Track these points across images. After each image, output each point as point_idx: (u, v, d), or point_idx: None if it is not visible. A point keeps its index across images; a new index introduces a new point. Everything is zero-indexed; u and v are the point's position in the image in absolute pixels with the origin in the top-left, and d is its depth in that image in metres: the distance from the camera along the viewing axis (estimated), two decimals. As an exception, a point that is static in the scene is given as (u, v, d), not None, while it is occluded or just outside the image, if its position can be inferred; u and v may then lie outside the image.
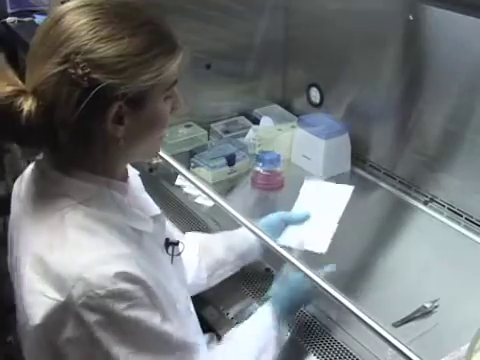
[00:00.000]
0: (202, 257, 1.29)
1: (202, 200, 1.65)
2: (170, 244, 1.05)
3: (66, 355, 0.86)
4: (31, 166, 1.01)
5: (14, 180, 1.07)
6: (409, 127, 1.67)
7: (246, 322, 1.17)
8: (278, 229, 1.37)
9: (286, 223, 1.39)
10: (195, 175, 1.54)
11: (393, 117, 1.72)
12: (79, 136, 0.88)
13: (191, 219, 1.59)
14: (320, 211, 1.40)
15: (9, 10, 2.61)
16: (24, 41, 2.18)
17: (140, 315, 0.85)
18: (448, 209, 1.61)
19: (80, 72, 0.83)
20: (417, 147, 1.67)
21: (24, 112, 0.84)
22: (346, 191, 1.45)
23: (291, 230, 1.38)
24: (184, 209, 1.64)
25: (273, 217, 1.39)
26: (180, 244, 1.07)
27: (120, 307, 0.83)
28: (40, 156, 0.99)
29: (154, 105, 0.91)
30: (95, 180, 0.93)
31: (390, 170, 1.77)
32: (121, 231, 0.91)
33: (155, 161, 1.79)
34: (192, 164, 1.78)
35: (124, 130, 0.89)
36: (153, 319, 0.87)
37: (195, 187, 1.43)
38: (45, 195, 0.93)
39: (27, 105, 0.85)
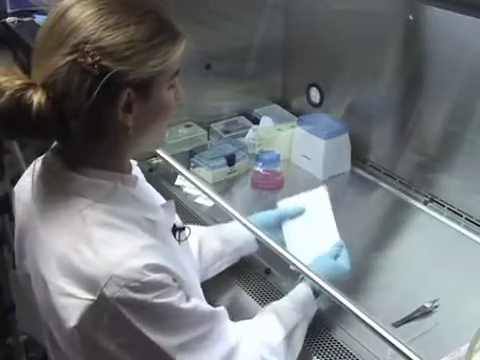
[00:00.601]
0: (201, 249, 1.29)
1: (202, 200, 1.65)
2: (177, 230, 1.07)
3: (106, 351, 0.87)
4: (36, 169, 1.00)
5: (13, 180, 1.07)
6: (409, 127, 1.67)
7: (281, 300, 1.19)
8: (275, 227, 1.38)
9: (281, 219, 1.40)
10: (195, 175, 1.54)
11: (393, 117, 1.72)
12: (91, 127, 0.89)
13: (191, 219, 1.59)
14: (313, 225, 1.38)
15: (9, 10, 2.61)
16: (24, 41, 2.18)
17: (171, 300, 0.88)
18: (448, 209, 1.61)
19: (90, 60, 0.84)
20: (417, 147, 1.67)
21: (34, 104, 0.85)
22: (322, 194, 1.43)
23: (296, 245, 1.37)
24: (184, 209, 1.63)
25: (270, 216, 1.39)
26: (186, 229, 1.09)
27: (152, 297, 0.86)
28: (45, 157, 0.98)
29: (160, 93, 0.92)
30: (108, 176, 0.94)
31: (390, 170, 1.77)
32: (138, 223, 0.93)
33: (155, 161, 1.79)
34: (192, 164, 1.78)
35: (133, 118, 0.90)
36: (182, 300, 0.90)
37: (195, 187, 1.43)
38: (61, 197, 0.92)
39: (37, 97, 0.85)
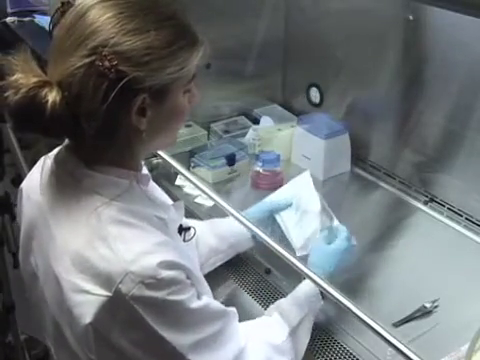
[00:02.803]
0: (197, 244, 1.30)
1: (202, 200, 1.65)
2: (183, 229, 1.08)
3: (120, 348, 0.88)
4: (45, 166, 1.00)
5: (14, 180, 1.07)
6: (409, 127, 1.68)
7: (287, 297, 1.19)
8: (268, 220, 1.41)
9: (273, 212, 1.43)
10: (195, 175, 1.54)
11: (393, 117, 1.72)
12: (104, 128, 0.89)
13: (191, 219, 1.59)
14: (303, 211, 1.42)
15: (9, 10, 2.62)
16: (24, 41, 2.18)
17: (184, 298, 0.89)
18: (448, 209, 1.61)
19: (107, 64, 0.84)
20: (417, 147, 1.67)
21: (49, 103, 0.85)
22: (305, 177, 1.50)
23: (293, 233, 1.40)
24: (184, 209, 1.63)
25: (262, 209, 1.42)
26: (192, 229, 1.09)
27: (167, 293, 0.87)
28: (58, 154, 0.98)
29: (175, 98, 0.93)
30: (124, 174, 0.95)
31: (390, 170, 1.77)
32: (150, 221, 0.93)
33: (155, 161, 1.79)
34: (192, 164, 1.78)
35: (146, 122, 0.90)
36: (194, 298, 0.91)
37: (195, 187, 1.43)
38: (76, 194, 0.93)
39: (52, 96, 0.85)
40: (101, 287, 0.86)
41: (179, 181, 1.72)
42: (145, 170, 1.08)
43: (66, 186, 0.95)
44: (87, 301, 0.87)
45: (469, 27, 1.42)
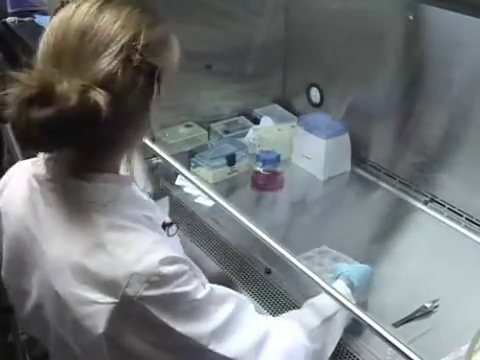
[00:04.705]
0: None
1: (202, 200, 1.65)
2: (166, 225, 1.07)
3: (137, 352, 0.87)
4: (20, 182, 0.97)
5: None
6: (409, 127, 1.68)
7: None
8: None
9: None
10: (195, 175, 1.54)
11: (393, 117, 1.72)
12: (121, 127, 0.89)
13: (191, 219, 1.59)
14: None
15: (9, 10, 2.62)
16: (24, 41, 2.18)
17: (191, 288, 0.89)
18: (448, 209, 1.61)
19: (140, 58, 0.86)
20: (417, 147, 1.67)
21: (102, 105, 0.82)
22: None
23: None
24: (184, 209, 1.64)
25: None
26: (174, 224, 1.08)
27: (173, 286, 0.86)
28: (32, 170, 0.96)
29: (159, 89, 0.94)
30: (112, 179, 0.94)
31: (390, 170, 1.77)
32: (141, 222, 0.94)
33: (155, 161, 1.79)
34: (192, 164, 1.78)
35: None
36: (201, 287, 0.91)
37: (195, 187, 1.43)
38: (69, 205, 0.92)
39: (101, 98, 0.82)
40: (107, 294, 0.85)
41: (179, 181, 1.72)
42: (123, 170, 1.07)
43: (58, 199, 0.93)
44: (96, 311, 0.86)
45: (469, 27, 1.41)
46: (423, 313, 1.28)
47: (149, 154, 1.77)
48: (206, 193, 1.37)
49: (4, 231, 1.01)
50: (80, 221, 0.90)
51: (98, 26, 0.86)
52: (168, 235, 1.05)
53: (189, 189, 1.69)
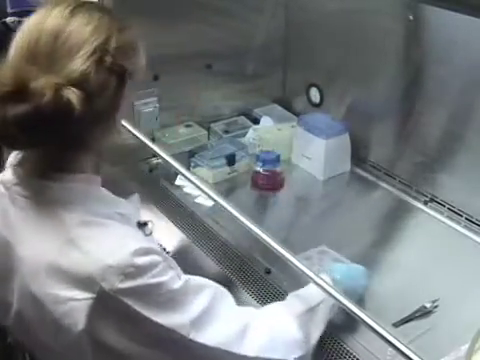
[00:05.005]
0: None
1: (202, 200, 1.65)
2: (141, 225, 1.07)
3: (119, 348, 0.87)
4: None
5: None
6: (409, 127, 1.67)
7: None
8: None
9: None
10: (195, 175, 1.54)
11: (393, 117, 1.72)
12: (98, 124, 0.92)
13: (191, 219, 1.59)
14: None
15: (9, 10, 2.61)
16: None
17: (166, 278, 0.89)
18: (448, 209, 1.61)
19: (112, 60, 0.89)
20: (417, 147, 1.67)
21: (75, 103, 0.84)
22: None
23: None
24: (184, 209, 1.64)
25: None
26: (149, 223, 1.08)
27: (148, 277, 0.87)
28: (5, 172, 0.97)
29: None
30: (80, 179, 0.94)
31: (390, 170, 1.77)
32: (113, 218, 0.94)
33: (155, 161, 1.79)
34: (192, 164, 1.78)
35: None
36: (176, 278, 0.91)
37: (195, 187, 1.43)
38: (38, 207, 0.92)
39: (75, 97, 0.84)
40: (84, 290, 0.85)
41: (179, 181, 1.72)
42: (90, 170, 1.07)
43: (22, 203, 0.93)
44: (74, 308, 0.86)
45: (469, 27, 1.41)
46: (423, 313, 1.28)
47: (149, 154, 1.77)
48: (206, 193, 1.37)
49: None
50: (49, 221, 0.90)
51: (71, 29, 0.89)
52: (145, 235, 1.05)
53: (189, 189, 1.69)
